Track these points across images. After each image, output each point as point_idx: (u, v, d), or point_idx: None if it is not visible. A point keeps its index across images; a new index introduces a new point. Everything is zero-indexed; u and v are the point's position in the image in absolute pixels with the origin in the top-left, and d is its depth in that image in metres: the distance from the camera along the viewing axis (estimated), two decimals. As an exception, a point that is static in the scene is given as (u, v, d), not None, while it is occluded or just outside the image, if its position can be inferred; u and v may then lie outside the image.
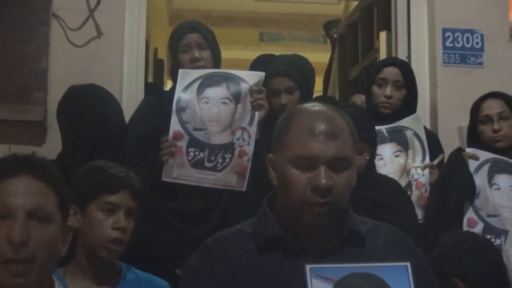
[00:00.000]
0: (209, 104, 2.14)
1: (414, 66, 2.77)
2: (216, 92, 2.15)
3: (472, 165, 2.24)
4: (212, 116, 2.14)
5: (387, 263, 1.17)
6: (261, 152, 1.98)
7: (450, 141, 2.59)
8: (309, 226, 1.22)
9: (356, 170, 1.26)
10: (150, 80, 4.53)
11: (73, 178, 1.61)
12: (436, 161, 2.37)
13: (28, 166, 1.09)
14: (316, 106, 1.28)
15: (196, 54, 2.26)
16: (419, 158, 2.34)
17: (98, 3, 2.74)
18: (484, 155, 2.26)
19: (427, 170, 2.31)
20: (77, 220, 1.56)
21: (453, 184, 2.22)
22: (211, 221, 2.11)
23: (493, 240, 2.15)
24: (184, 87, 2.16)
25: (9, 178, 1.08)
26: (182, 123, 2.13)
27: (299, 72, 2.34)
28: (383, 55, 3.19)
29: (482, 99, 2.37)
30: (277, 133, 1.28)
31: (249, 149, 2.12)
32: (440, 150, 2.48)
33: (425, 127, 2.50)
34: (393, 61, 2.58)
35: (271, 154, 1.29)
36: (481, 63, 2.98)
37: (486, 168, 2.25)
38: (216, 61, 2.32)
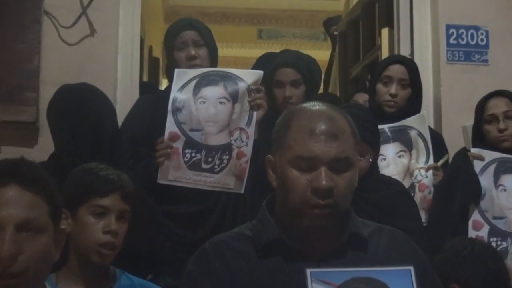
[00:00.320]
0: (206, 104, 2.12)
1: (417, 64, 2.75)
2: (213, 92, 2.13)
3: (478, 165, 2.22)
4: (209, 116, 2.11)
5: (390, 267, 1.16)
6: (260, 153, 1.97)
7: (455, 141, 2.57)
8: (310, 229, 1.21)
9: (358, 172, 1.24)
10: (145, 79, 4.54)
11: (64, 181, 1.58)
12: (440, 162, 2.35)
13: (17, 176, 1.06)
14: (316, 106, 1.27)
15: (193, 52, 2.24)
16: (422, 158, 2.32)
17: (91, 0, 2.72)
18: (489, 155, 2.24)
19: (430, 172, 2.28)
20: (68, 224, 1.53)
21: (458, 186, 2.21)
22: (209, 224, 2.09)
23: (499, 243, 2.15)
24: (180, 86, 2.15)
25: None
26: (178, 123, 2.10)
27: (306, 67, 2.35)
28: (385, 52, 3.18)
29: (487, 98, 2.35)
30: (276, 133, 1.27)
31: (248, 150, 2.10)
32: (445, 150, 2.46)
33: (429, 127, 2.48)
34: (399, 58, 2.57)
35: (270, 155, 1.28)
36: (486, 61, 2.96)
37: (492, 168, 2.23)
38: (213, 59, 2.30)
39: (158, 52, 5.35)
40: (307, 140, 1.19)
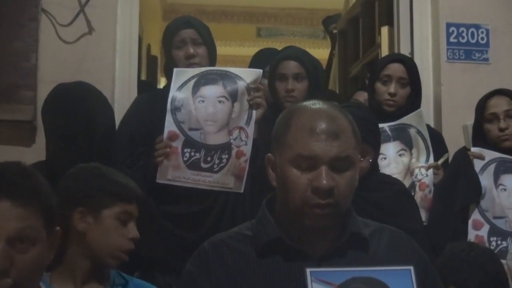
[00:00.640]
0: (205, 103, 2.11)
1: (417, 63, 2.75)
2: (212, 91, 2.12)
3: (478, 165, 2.22)
4: (208, 115, 2.11)
5: (390, 267, 1.15)
6: (260, 152, 1.98)
7: (455, 140, 2.57)
8: (310, 229, 1.20)
9: (359, 172, 1.24)
10: (143, 77, 4.54)
11: (76, 181, 1.59)
12: (440, 161, 2.34)
13: (9, 190, 1.04)
14: (317, 104, 1.26)
15: (191, 50, 2.24)
16: (423, 157, 2.31)
17: (89, -3, 2.74)
18: (490, 154, 2.24)
19: (431, 171, 2.27)
20: (87, 224, 1.54)
21: (458, 185, 2.20)
22: (208, 224, 2.08)
23: (499, 242, 2.15)
24: (179, 85, 2.14)
25: None
26: (177, 123, 2.09)
27: (310, 62, 2.34)
28: (385, 51, 3.18)
29: (488, 97, 2.34)
30: (276, 132, 1.26)
31: (247, 149, 2.09)
32: (444, 149, 2.45)
33: (429, 126, 2.49)
34: (398, 57, 2.56)
35: (270, 154, 1.26)
36: (486, 59, 2.95)
37: (492, 168, 2.22)
38: (212, 58, 2.29)
39: (156, 51, 5.35)
40: (307, 139, 1.18)
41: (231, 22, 6.55)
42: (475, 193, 2.19)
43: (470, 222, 2.18)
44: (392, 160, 2.28)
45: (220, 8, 6.38)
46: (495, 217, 2.18)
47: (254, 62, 2.63)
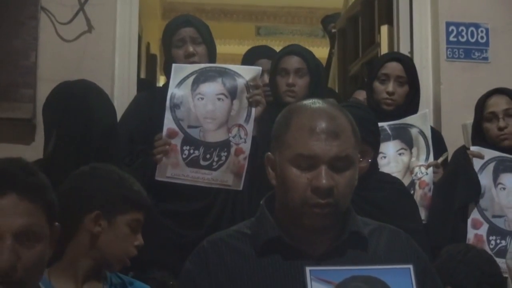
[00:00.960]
0: (204, 100, 2.11)
1: (417, 62, 2.77)
2: (211, 88, 2.12)
3: (477, 164, 2.22)
4: (207, 112, 2.10)
5: (389, 265, 1.16)
6: (259, 150, 1.98)
7: (454, 139, 2.57)
8: (310, 228, 1.20)
9: (358, 172, 1.23)
10: (142, 76, 4.53)
11: (94, 183, 1.58)
12: (440, 160, 2.34)
13: (15, 185, 1.05)
14: (317, 104, 1.25)
15: (191, 49, 2.23)
16: (423, 156, 2.31)
17: (89, -4, 2.73)
18: (489, 153, 2.24)
19: (430, 169, 2.28)
20: (102, 228, 1.55)
21: (458, 184, 2.20)
22: (207, 222, 2.08)
23: (498, 241, 2.15)
24: (178, 82, 2.13)
25: None
26: (176, 120, 2.09)
27: (312, 59, 2.34)
28: (384, 49, 3.18)
29: (487, 96, 2.34)
30: (276, 131, 1.26)
31: (246, 147, 2.09)
32: (444, 149, 2.45)
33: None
34: (396, 56, 2.56)
35: (270, 153, 1.26)
36: (486, 58, 2.95)
37: (491, 167, 2.23)
38: (211, 57, 2.29)
39: (155, 49, 5.34)
40: (307, 139, 1.18)
41: (231, 21, 6.55)
42: (475, 192, 2.19)
43: (469, 221, 2.18)
44: (392, 159, 2.29)
45: (220, 7, 6.38)
46: (494, 216, 2.19)
47: (246, 60, 2.64)
